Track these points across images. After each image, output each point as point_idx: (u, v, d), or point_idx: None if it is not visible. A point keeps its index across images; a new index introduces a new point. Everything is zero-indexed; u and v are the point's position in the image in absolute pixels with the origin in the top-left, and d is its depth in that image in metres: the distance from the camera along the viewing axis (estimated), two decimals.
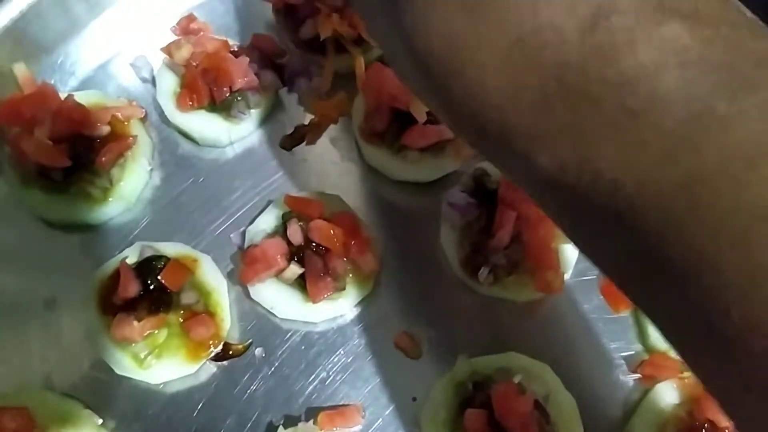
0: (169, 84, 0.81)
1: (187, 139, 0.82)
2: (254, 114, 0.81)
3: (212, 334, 0.70)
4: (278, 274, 0.71)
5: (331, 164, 0.81)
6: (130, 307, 0.69)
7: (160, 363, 0.69)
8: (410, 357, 0.72)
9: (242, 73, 0.77)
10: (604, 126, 0.31)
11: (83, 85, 0.84)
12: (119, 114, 0.78)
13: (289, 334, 0.73)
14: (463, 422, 0.64)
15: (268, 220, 0.75)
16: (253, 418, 0.69)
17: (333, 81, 0.83)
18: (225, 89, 0.77)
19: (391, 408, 0.70)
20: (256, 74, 0.79)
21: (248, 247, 0.73)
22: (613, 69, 0.30)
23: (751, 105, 0.28)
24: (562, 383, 0.69)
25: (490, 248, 0.71)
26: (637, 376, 0.71)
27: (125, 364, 0.69)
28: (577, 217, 0.35)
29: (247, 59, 0.78)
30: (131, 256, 0.72)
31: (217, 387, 0.71)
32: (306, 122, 0.82)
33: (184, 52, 0.78)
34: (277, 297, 0.72)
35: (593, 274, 0.75)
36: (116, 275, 0.70)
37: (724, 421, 0.64)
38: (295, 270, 0.70)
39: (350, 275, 0.72)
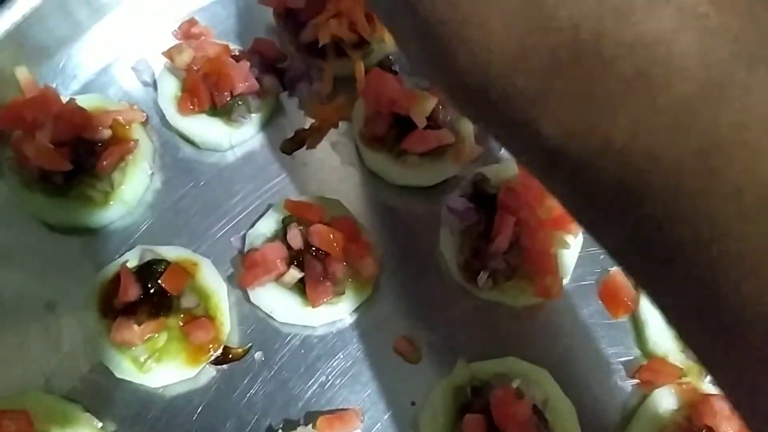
0: (170, 88, 0.81)
1: (188, 143, 0.82)
2: (255, 118, 0.81)
3: (212, 338, 0.70)
4: (278, 279, 0.72)
5: (332, 168, 0.81)
6: (131, 310, 0.69)
7: (159, 366, 0.69)
8: (409, 361, 0.72)
9: (243, 77, 0.77)
10: (617, 90, 0.30)
11: (85, 89, 0.84)
12: (120, 118, 0.78)
13: (289, 338, 0.73)
14: (461, 427, 0.64)
15: (268, 224, 0.75)
16: (253, 422, 0.69)
17: (333, 85, 0.84)
18: (226, 93, 0.78)
19: (390, 412, 0.70)
20: (257, 78, 0.79)
21: (248, 251, 0.74)
22: (630, 31, 0.29)
23: None
24: (561, 388, 0.69)
25: (489, 253, 0.71)
26: (636, 381, 0.71)
27: (125, 368, 0.69)
28: (583, 191, 0.33)
29: (248, 64, 0.78)
30: (132, 259, 0.72)
31: (217, 391, 0.71)
32: (306, 126, 0.82)
33: (185, 57, 0.79)
34: (276, 301, 0.72)
35: (592, 279, 0.76)
36: (117, 279, 0.70)
37: (723, 427, 0.64)
38: (294, 274, 0.70)
39: (350, 279, 0.73)
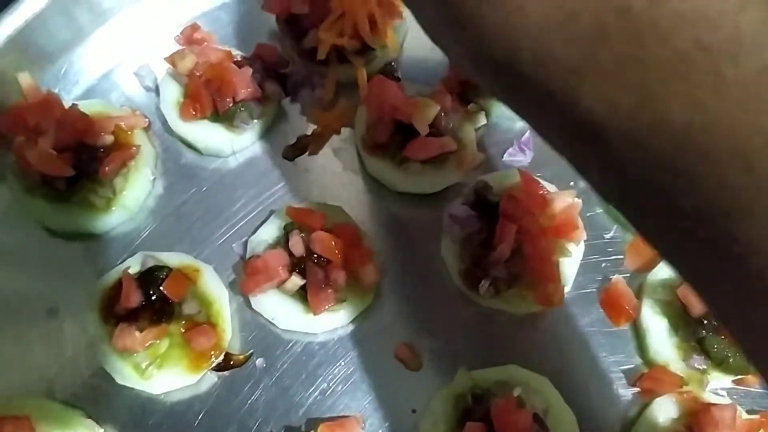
0: (172, 93, 0.81)
1: (190, 149, 0.82)
2: (257, 124, 0.81)
3: (213, 345, 0.70)
4: (279, 285, 0.72)
5: (333, 175, 0.81)
6: (132, 317, 0.69)
7: (161, 373, 0.69)
8: (410, 368, 0.72)
9: (245, 83, 0.77)
10: (675, 63, 0.27)
11: (87, 94, 0.84)
12: (123, 123, 0.79)
13: (290, 344, 0.73)
14: None
15: (269, 231, 0.75)
16: (254, 429, 0.69)
17: (336, 91, 0.84)
18: (228, 100, 0.78)
19: (390, 420, 0.70)
20: (259, 85, 0.79)
21: (250, 257, 0.74)
22: (690, 3, 0.27)
23: None
24: (562, 396, 0.69)
25: (490, 261, 0.71)
26: (636, 389, 0.71)
27: (126, 374, 0.69)
28: (627, 172, 0.30)
29: (250, 70, 0.78)
30: (133, 265, 0.73)
31: (218, 397, 0.71)
32: (308, 133, 0.82)
33: (187, 63, 0.79)
34: (278, 308, 0.72)
35: (593, 287, 0.76)
36: (118, 285, 0.70)
37: None
38: (296, 281, 0.70)
39: (351, 287, 0.73)
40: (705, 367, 0.70)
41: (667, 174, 0.29)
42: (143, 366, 0.69)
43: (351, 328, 0.74)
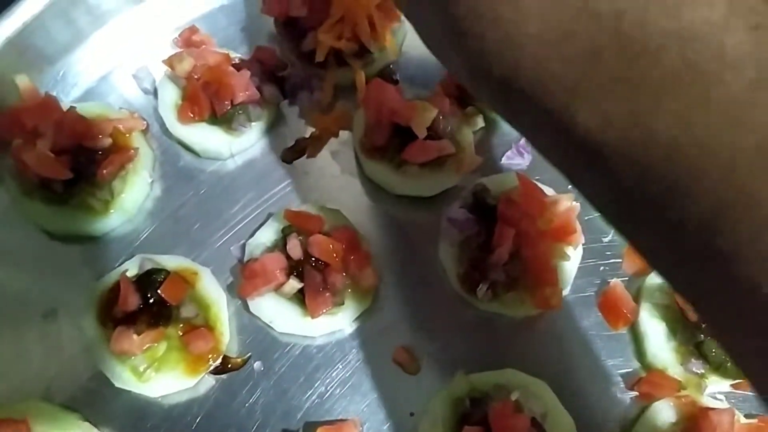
0: (170, 96, 0.81)
1: (188, 151, 0.82)
2: (255, 127, 0.81)
3: (211, 348, 0.70)
4: (277, 289, 0.72)
5: (332, 178, 0.81)
6: (130, 320, 0.69)
7: (159, 376, 0.69)
8: (408, 372, 0.72)
9: (243, 86, 0.77)
10: (664, 81, 0.28)
11: (86, 96, 0.84)
12: (121, 126, 0.78)
13: (288, 347, 0.73)
14: None
15: (267, 234, 0.75)
16: None
17: (334, 94, 0.84)
18: (226, 102, 0.78)
19: (388, 423, 0.70)
20: (257, 87, 0.79)
21: (248, 261, 0.74)
22: (678, 22, 0.28)
23: None
24: (560, 400, 0.69)
25: (488, 264, 0.71)
26: (635, 393, 0.71)
27: (124, 377, 0.69)
28: (619, 186, 0.32)
29: (249, 72, 0.78)
30: (131, 268, 0.72)
31: (216, 400, 0.71)
32: (307, 135, 0.82)
33: (185, 65, 0.79)
34: (276, 311, 0.72)
35: (591, 290, 0.76)
36: (116, 287, 0.70)
37: None
38: (294, 285, 0.70)
39: (349, 290, 0.73)
40: (703, 371, 0.70)
41: (658, 187, 0.30)
42: (141, 369, 0.69)
43: (349, 331, 0.74)
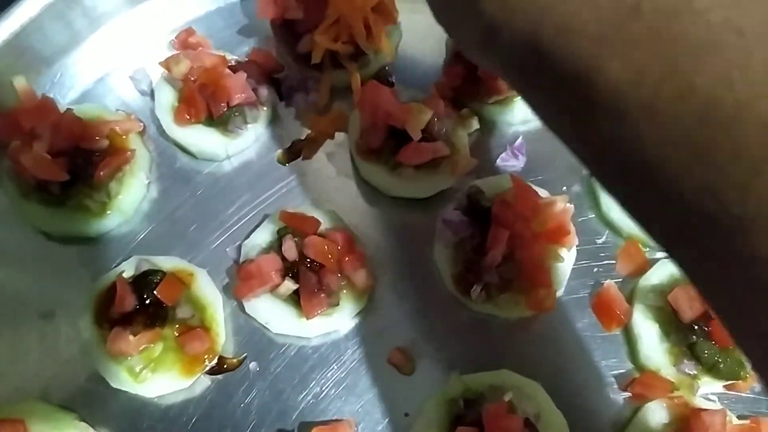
0: (167, 98, 0.81)
1: (184, 153, 0.82)
2: (251, 129, 0.81)
3: (207, 349, 0.71)
4: (273, 290, 0.72)
5: (327, 179, 0.81)
6: (126, 320, 0.69)
7: (155, 377, 0.70)
8: (403, 373, 0.73)
9: (240, 88, 0.78)
10: (706, 39, 0.28)
11: (83, 98, 0.84)
12: (118, 128, 0.79)
13: (284, 348, 0.74)
14: None
15: (263, 235, 0.76)
16: None
17: (330, 96, 0.84)
18: (222, 104, 0.78)
19: (383, 424, 0.71)
20: (253, 89, 0.80)
21: (243, 262, 0.74)
22: None
23: None
24: (553, 401, 0.69)
25: (483, 266, 0.71)
26: (628, 394, 0.72)
27: (121, 378, 0.69)
28: (643, 150, 0.30)
29: (245, 75, 0.79)
30: (128, 269, 0.73)
31: (212, 401, 0.71)
32: (302, 137, 0.83)
33: (182, 67, 0.79)
34: (271, 312, 0.73)
35: (585, 292, 0.76)
36: (113, 288, 0.71)
37: None
38: (289, 286, 0.71)
39: (344, 291, 0.73)
40: (695, 372, 0.70)
41: (688, 145, 0.29)
42: (137, 370, 0.69)
43: (344, 332, 0.74)
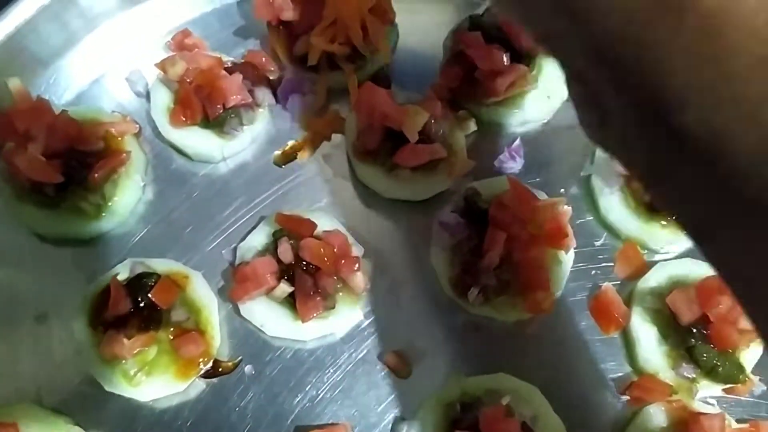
0: (163, 99, 0.81)
1: (180, 155, 0.82)
2: (247, 130, 0.81)
3: (202, 352, 0.70)
4: (268, 293, 0.72)
5: (324, 181, 0.81)
6: (121, 323, 0.69)
7: (149, 380, 0.69)
8: (399, 376, 0.72)
9: (236, 90, 0.77)
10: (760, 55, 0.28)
11: (78, 99, 0.84)
12: (113, 129, 0.78)
13: (279, 351, 0.73)
14: None
15: (259, 238, 0.75)
16: None
17: (326, 97, 0.84)
18: (218, 106, 0.78)
19: (379, 427, 0.70)
20: (249, 91, 0.79)
21: (239, 264, 0.74)
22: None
23: None
24: (551, 404, 0.69)
25: (480, 268, 0.71)
26: (626, 398, 0.71)
27: (115, 381, 0.69)
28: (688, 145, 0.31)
29: (241, 76, 0.78)
30: (122, 272, 0.72)
31: (207, 404, 0.71)
32: (299, 139, 0.82)
33: (178, 69, 0.79)
34: (267, 315, 0.72)
35: (583, 295, 0.76)
36: (107, 291, 0.70)
37: None
38: (284, 289, 0.70)
39: (340, 294, 0.73)
40: (694, 375, 0.70)
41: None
42: (131, 373, 0.69)
43: (340, 335, 0.74)
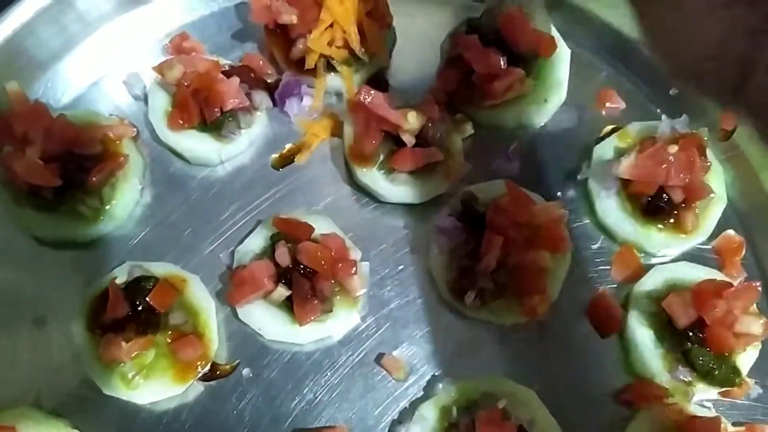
0: (160, 103, 0.81)
1: (178, 158, 0.82)
2: (245, 133, 0.81)
3: (200, 355, 0.70)
4: (266, 296, 0.72)
5: (321, 184, 0.81)
6: (119, 327, 0.69)
7: (147, 383, 0.69)
8: (396, 379, 0.72)
9: (233, 93, 0.77)
10: None
11: (76, 102, 0.84)
12: (111, 133, 0.79)
13: (277, 354, 0.73)
14: None
15: (256, 241, 0.75)
16: None
17: (324, 100, 0.84)
18: (216, 109, 0.78)
19: (376, 430, 0.70)
20: (247, 94, 0.79)
21: (236, 268, 0.74)
22: None
23: None
24: (547, 407, 0.69)
25: (477, 272, 0.71)
26: (622, 401, 0.71)
27: (113, 384, 0.69)
28: None
29: (238, 80, 0.78)
30: (120, 275, 0.72)
31: (205, 407, 0.71)
32: (296, 142, 0.83)
33: (175, 72, 0.79)
34: (264, 318, 0.72)
35: (580, 298, 0.76)
36: (105, 294, 0.70)
37: None
38: (282, 292, 0.70)
39: (338, 297, 0.73)
40: (690, 379, 0.70)
41: None
42: (130, 376, 0.69)
43: (338, 338, 0.74)
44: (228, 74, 0.79)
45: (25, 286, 0.76)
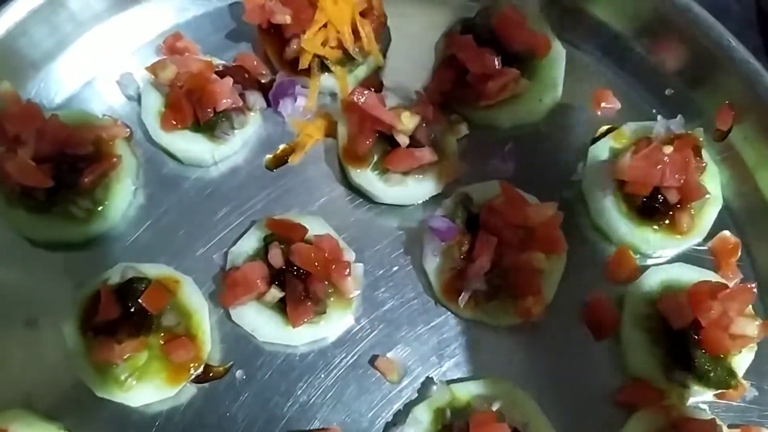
0: (153, 103, 0.81)
1: (172, 158, 0.81)
2: (238, 134, 0.80)
3: (193, 357, 0.70)
4: (259, 298, 0.71)
5: (315, 185, 0.81)
6: (111, 329, 0.69)
7: (140, 385, 0.69)
8: (390, 381, 0.72)
9: (226, 94, 0.77)
10: None
11: (69, 102, 0.84)
12: (104, 133, 0.78)
13: (270, 356, 0.73)
14: None
15: (250, 242, 0.75)
16: None
17: (318, 100, 0.83)
18: (209, 110, 0.77)
19: None
20: (240, 95, 0.79)
21: (229, 269, 0.73)
22: None
23: None
24: (542, 409, 0.68)
25: (471, 273, 0.71)
26: (618, 403, 0.71)
27: (106, 386, 0.69)
28: None
29: (231, 80, 0.78)
30: (113, 277, 0.72)
31: (198, 409, 0.71)
32: (290, 142, 0.82)
33: (168, 73, 0.78)
34: (257, 320, 0.72)
35: (575, 299, 0.75)
36: (98, 296, 0.70)
37: None
38: (275, 294, 0.70)
39: (331, 299, 0.72)
40: (686, 380, 0.69)
41: None
42: (122, 378, 0.69)
43: (331, 340, 0.74)
44: (221, 74, 0.79)
45: (17, 288, 0.76)
